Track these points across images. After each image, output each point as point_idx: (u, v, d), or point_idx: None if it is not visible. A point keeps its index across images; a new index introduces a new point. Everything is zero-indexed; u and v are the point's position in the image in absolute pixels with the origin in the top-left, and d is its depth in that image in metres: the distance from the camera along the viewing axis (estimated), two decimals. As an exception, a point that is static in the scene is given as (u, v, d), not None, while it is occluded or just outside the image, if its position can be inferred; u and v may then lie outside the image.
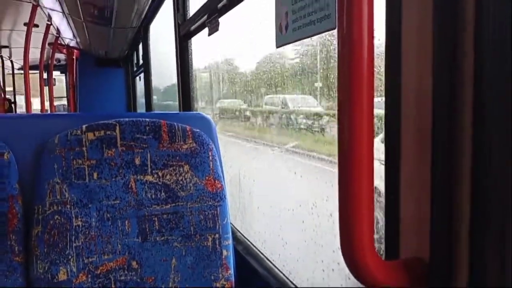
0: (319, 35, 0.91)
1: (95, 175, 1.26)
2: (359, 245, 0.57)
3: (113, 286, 1.25)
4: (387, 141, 0.67)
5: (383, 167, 0.68)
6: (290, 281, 1.31)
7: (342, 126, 0.56)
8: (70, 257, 1.21)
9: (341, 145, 0.57)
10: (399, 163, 0.64)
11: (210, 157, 1.37)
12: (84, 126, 1.28)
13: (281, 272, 1.37)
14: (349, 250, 0.58)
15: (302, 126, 2.01)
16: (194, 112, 2.11)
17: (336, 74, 0.57)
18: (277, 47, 1.11)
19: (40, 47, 5.03)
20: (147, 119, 1.34)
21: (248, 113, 2.68)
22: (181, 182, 1.32)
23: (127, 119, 1.32)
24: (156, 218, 1.30)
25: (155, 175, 1.31)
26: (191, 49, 2.27)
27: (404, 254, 0.66)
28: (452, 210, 0.56)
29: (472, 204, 0.54)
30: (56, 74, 8.72)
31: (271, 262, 1.44)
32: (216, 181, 1.36)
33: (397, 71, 0.64)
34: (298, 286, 1.28)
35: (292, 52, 1.91)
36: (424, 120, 0.58)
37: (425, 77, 0.59)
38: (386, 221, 0.68)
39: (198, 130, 1.38)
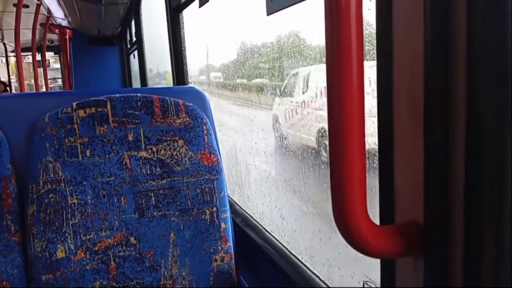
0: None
1: (88, 152, 1.25)
2: (352, 211, 0.56)
3: (112, 262, 1.25)
4: (380, 103, 0.65)
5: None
6: (289, 251, 1.31)
7: (331, 88, 0.55)
8: (67, 234, 1.21)
9: (330, 109, 0.55)
10: (392, 125, 0.63)
11: (205, 131, 1.35)
12: (74, 104, 1.26)
13: (280, 243, 1.37)
14: (342, 216, 0.57)
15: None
16: (187, 86, 2.08)
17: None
18: (268, 14, 1.08)
19: (31, 27, 4.95)
20: (139, 94, 1.32)
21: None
22: (176, 157, 1.31)
23: (118, 95, 1.30)
24: (152, 194, 1.29)
25: (149, 151, 1.30)
26: (182, 22, 2.23)
27: (399, 219, 0.65)
28: (447, 173, 0.55)
29: (466, 166, 0.52)
30: (49, 55, 8.63)
31: (269, 233, 1.45)
32: (212, 155, 1.35)
33: (388, 33, 0.62)
34: (296, 255, 1.28)
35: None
36: (417, 81, 0.57)
37: (418, 38, 0.56)
38: (380, 186, 0.67)
39: (191, 104, 1.36)
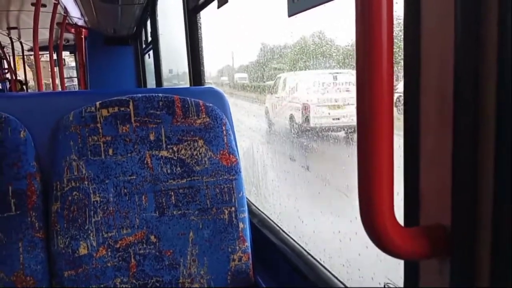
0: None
1: (110, 151, 1.27)
2: (379, 212, 0.57)
3: (132, 259, 1.27)
4: (406, 102, 0.66)
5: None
6: (306, 252, 1.32)
7: (361, 94, 0.55)
8: (89, 232, 1.23)
9: (360, 112, 0.56)
10: (419, 127, 0.63)
11: (224, 131, 1.36)
12: (98, 103, 1.28)
13: (297, 243, 1.38)
14: (369, 217, 0.57)
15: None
16: (207, 86, 2.10)
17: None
18: (289, 16, 1.09)
19: (49, 27, 5.02)
20: (160, 95, 1.34)
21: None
22: (196, 156, 1.33)
23: (140, 95, 1.32)
24: (172, 193, 1.31)
25: (170, 150, 1.31)
26: (200, 23, 2.25)
27: (424, 221, 0.65)
28: (476, 177, 0.55)
29: (496, 167, 0.52)
30: (65, 54, 8.73)
31: (287, 234, 1.45)
32: (231, 155, 1.36)
33: (417, 36, 0.62)
34: (314, 256, 1.29)
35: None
36: (446, 80, 0.57)
37: (447, 41, 0.57)
38: (405, 187, 0.68)
39: (211, 104, 1.38)
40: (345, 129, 2.16)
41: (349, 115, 2.12)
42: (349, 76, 2.11)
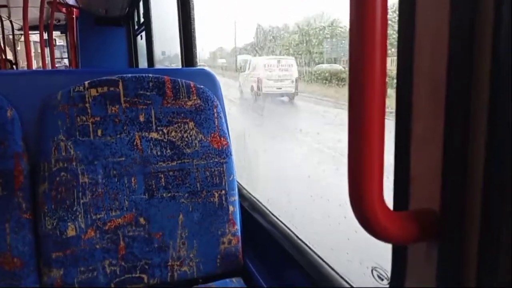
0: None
1: (99, 132, 1.25)
2: (368, 195, 0.56)
3: (121, 241, 1.26)
4: (399, 83, 0.65)
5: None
6: (295, 235, 1.32)
7: (353, 75, 0.54)
8: (78, 213, 1.22)
9: (352, 93, 0.55)
10: (411, 111, 0.62)
11: (215, 114, 1.35)
12: (86, 83, 1.25)
13: (286, 227, 1.38)
14: (358, 200, 0.57)
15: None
16: (199, 67, 2.07)
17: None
18: None
19: (39, 6, 4.92)
20: (150, 75, 1.32)
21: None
22: (186, 139, 1.31)
23: (130, 75, 1.30)
24: (162, 175, 1.30)
25: (160, 132, 1.30)
26: (192, 3, 2.21)
27: (414, 205, 0.65)
28: (467, 162, 0.54)
29: (486, 156, 0.52)
30: (56, 34, 8.59)
31: (276, 217, 1.45)
32: (222, 138, 1.35)
33: (411, 19, 0.61)
34: (303, 240, 1.29)
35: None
36: (440, 63, 0.56)
37: (441, 24, 0.56)
38: (395, 171, 0.67)
39: (202, 86, 1.36)
40: (285, 95, 3.45)
41: (285, 86, 3.39)
42: (288, 61, 3.29)
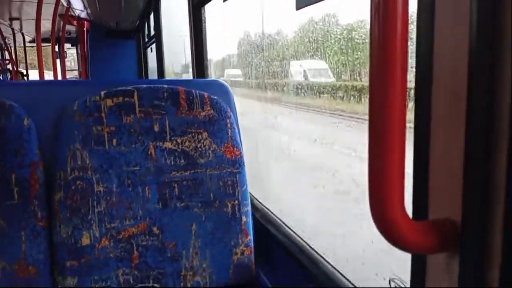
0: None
1: (114, 141, 1.26)
2: (389, 205, 0.56)
3: (135, 251, 1.27)
4: (418, 90, 0.65)
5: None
6: (310, 246, 1.31)
7: (374, 86, 0.55)
8: (92, 222, 1.23)
9: (372, 103, 0.55)
10: (430, 121, 0.63)
11: (228, 124, 1.36)
12: (102, 93, 1.27)
13: (300, 238, 1.38)
14: (379, 209, 0.57)
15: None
16: (212, 79, 2.09)
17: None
18: (297, 9, 1.09)
19: (51, 19, 5.00)
20: (165, 86, 1.33)
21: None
22: (200, 149, 1.32)
23: (144, 85, 1.32)
24: (176, 185, 1.30)
25: (174, 142, 1.31)
26: (204, 17, 2.24)
27: (433, 215, 0.65)
28: (488, 172, 0.54)
29: (508, 166, 0.52)
30: (67, 46, 8.71)
31: (289, 228, 1.45)
32: (235, 148, 1.36)
33: (430, 31, 0.62)
34: (317, 250, 1.29)
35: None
36: (460, 71, 0.56)
37: (461, 35, 0.56)
38: (414, 181, 0.67)
39: (216, 97, 1.37)
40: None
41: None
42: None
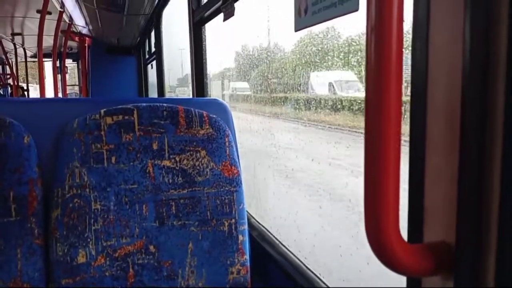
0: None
1: (113, 159, 1.27)
2: (384, 227, 0.57)
3: (131, 269, 1.26)
4: (412, 112, 0.66)
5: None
6: (306, 266, 1.31)
7: (369, 108, 0.56)
8: (89, 240, 1.23)
9: (368, 125, 0.56)
10: (425, 142, 0.63)
11: (227, 143, 1.37)
12: (102, 111, 1.28)
13: (296, 258, 1.37)
14: (374, 232, 0.57)
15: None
16: (210, 97, 2.11)
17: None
18: (296, 31, 1.10)
19: (53, 34, 5.05)
20: (165, 104, 1.34)
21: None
22: (198, 167, 1.33)
23: (144, 104, 1.33)
24: (173, 203, 1.30)
25: (172, 160, 1.32)
26: (205, 36, 2.26)
27: (428, 237, 0.65)
28: (483, 195, 0.55)
29: (502, 189, 0.52)
30: (68, 62, 8.77)
31: (286, 248, 1.45)
32: (233, 167, 1.36)
33: (424, 51, 0.63)
34: (314, 271, 1.29)
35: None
36: (454, 91, 0.57)
37: (454, 58, 0.57)
38: (409, 203, 0.68)
39: (214, 116, 1.38)
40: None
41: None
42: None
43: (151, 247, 1.28)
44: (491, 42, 0.53)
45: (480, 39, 0.53)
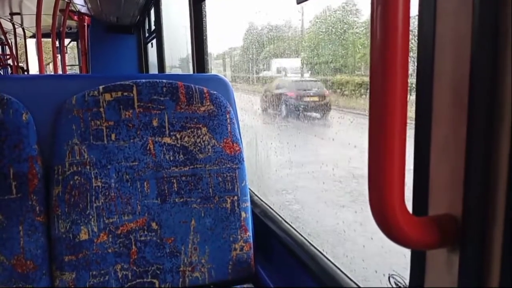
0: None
1: (113, 136, 1.26)
2: (389, 200, 0.56)
3: (133, 246, 1.26)
4: (419, 84, 0.64)
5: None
6: (309, 242, 1.31)
7: (374, 80, 0.54)
8: (91, 217, 1.23)
9: (373, 98, 0.54)
10: (431, 116, 0.62)
11: (228, 120, 1.35)
12: (101, 87, 1.26)
13: (300, 234, 1.37)
14: (379, 205, 0.56)
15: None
16: (211, 73, 2.08)
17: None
18: (298, 3, 1.08)
19: (52, 13, 4.98)
20: (164, 80, 1.32)
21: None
22: (199, 144, 1.32)
23: (143, 80, 1.31)
24: (174, 180, 1.30)
25: (173, 137, 1.30)
26: (205, 11, 2.22)
27: (433, 211, 0.64)
28: (490, 168, 0.54)
29: (510, 160, 0.51)
30: (67, 41, 8.69)
31: (289, 224, 1.45)
32: (234, 144, 1.35)
33: (432, 24, 0.61)
34: (317, 247, 1.28)
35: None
36: (462, 67, 0.55)
37: (463, 29, 0.55)
38: (414, 176, 0.67)
39: (215, 92, 1.36)
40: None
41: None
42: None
43: (153, 224, 1.28)
44: (501, 7, 0.51)
45: (490, 4, 0.51)
